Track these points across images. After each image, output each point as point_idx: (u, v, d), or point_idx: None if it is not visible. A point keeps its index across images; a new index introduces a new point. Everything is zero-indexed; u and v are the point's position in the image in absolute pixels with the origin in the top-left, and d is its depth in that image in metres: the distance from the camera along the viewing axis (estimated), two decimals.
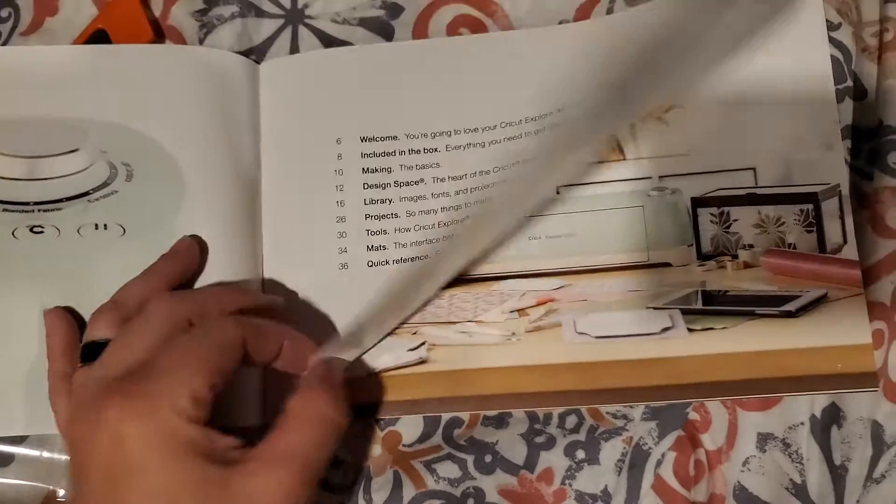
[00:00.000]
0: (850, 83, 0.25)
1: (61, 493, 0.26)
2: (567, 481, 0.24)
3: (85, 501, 0.20)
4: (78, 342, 0.24)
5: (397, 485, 0.25)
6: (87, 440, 0.20)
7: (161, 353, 0.21)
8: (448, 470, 0.25)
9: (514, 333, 0.26)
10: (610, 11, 0.28)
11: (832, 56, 0.26)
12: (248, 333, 0.22)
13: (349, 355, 0.25)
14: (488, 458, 0.25)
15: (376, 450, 0.26)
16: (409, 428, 0.26)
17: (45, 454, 0.26)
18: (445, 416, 0.26)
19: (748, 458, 0.25)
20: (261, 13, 0.29)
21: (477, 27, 0.28)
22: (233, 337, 0.21)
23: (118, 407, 0.19)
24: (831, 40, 0.26)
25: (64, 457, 0.26)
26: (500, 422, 0.26)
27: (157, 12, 0.30)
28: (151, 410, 0.20)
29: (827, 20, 0.26)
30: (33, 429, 0.25)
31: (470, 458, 0.25)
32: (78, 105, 0.28)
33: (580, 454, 0.24)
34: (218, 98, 0.28)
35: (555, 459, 0.24)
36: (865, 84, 0.26)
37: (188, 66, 0.28)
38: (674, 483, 0.24)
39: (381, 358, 0.26)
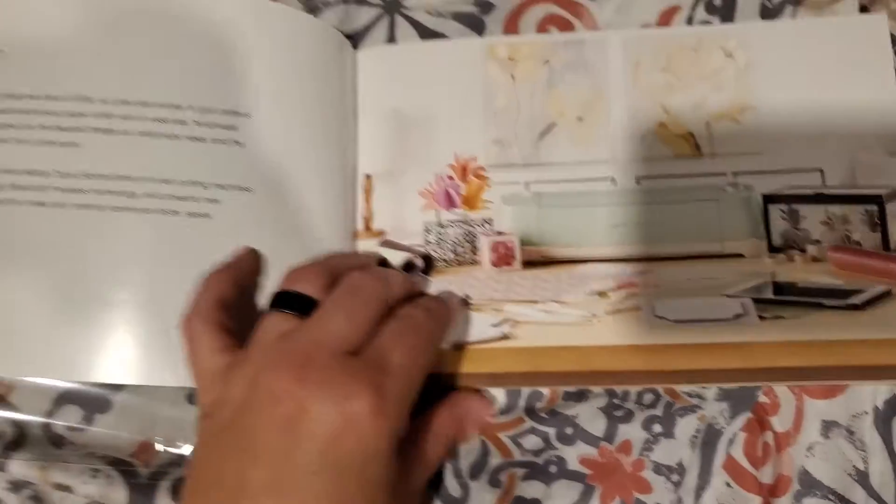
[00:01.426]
0: None
1: (159, 446, 0.27)
2: (645, 453, 0.25)
3: (259, 459, 0.20)
4: (242, 287, 0.25)
5: (484, 452, 0.26)
6: (302, 402, 0.20)
7: (390, 345, 0.22)
8: (532, 442, 0.26)
9: (594, 314, 0.27)
10: (689, 21, 0.30)
11: None
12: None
13: None
14: (569, 430, 0.26)
15: None
16: None
17: (142, 404, 0.27)
18: (526, 389, 0.27)
19: (813, 444, 0.26)
20: (361, 1, 0.31)
21: (565, 27, 0.30)
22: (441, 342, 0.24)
23: (367, 396, 0.20)
24: None
25: (163, 408, 0.27)
26: (580, 396, 0.27)
27: None
28: (390, 412, 0.21)
29: (892, 34, 0.28)
30: (143, 378, 0.26)
31: (552, 431, 0.26)
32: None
33: (657, 428, 0.26)
34: (325, 68, 0.29)
35: (633, 432, 0.26)
36: None
37: (297, 29, 0.28)
38: (745, 463, 0.26)
39: (465, 332, 0.27)
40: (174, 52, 0.28)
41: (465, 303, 0.28)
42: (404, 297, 0.26)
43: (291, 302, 0.23)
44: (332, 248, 0.28)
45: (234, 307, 0.25)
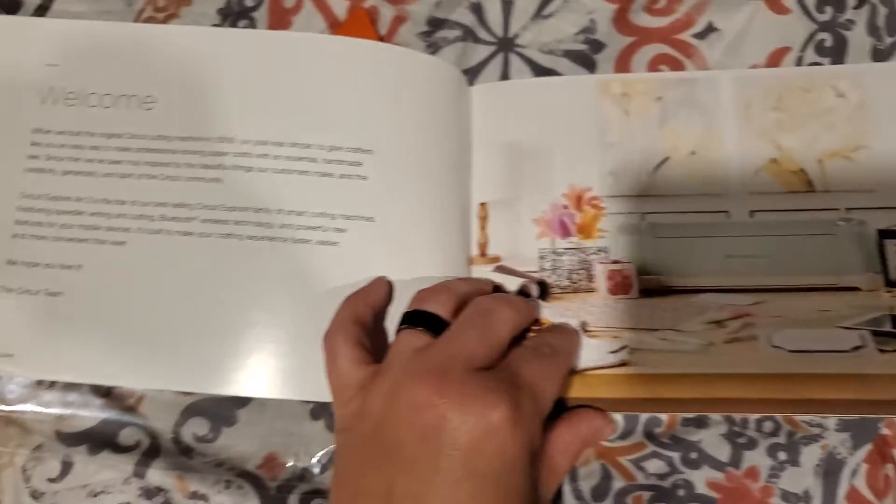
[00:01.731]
0: None
1: (289, 462, 0.29)
2: (772, 479, 0.26)
3: (403, 465, 0.21)
4: (376, 310, 0.27)
5: (606, 475, 0.27)
6: (443, 411, 0.21)
7: (520, 367, 0.23)
8: (656, 466, 0.27)
9: (711, 343, 0.28)
10: (799, 62, 0.31)
11: None
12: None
13: None
14: (694, 455, 0.27)
15: None
16: None
17: (267, 419, 0.29)
18: (644, 415, 0.28)
19: None
20: (477, 39, 0.33)
21: (676, 66, 0.31)
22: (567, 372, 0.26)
23: (504, 407, 0.21)
24: None
25: (288, 423, 0.28)
26: (700, 422, 0.28)
27: (383, 31, 0.33)
28: (526, 424, 0.22)
29: None
30: (275, 392, 0.28)
31: (676, 455, 0.27)
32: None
33: (782, 455, 0.27)
34: (443, 105, 0.31)
35: (758, 458, 0.26)
36: None
37: (417, 70, 0.30)
38: (867, 494, 0.26)
39: (584, 357, 0.28)
40: (306, 97, 0.30)
41: (584, 329, 0.29)
42: (529, 324, 0.27)
43: (423, 321, 0.25)
44: (448, 274, 0.30)
45: (370, 328, 0.27)
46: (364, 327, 0.26)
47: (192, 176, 0.29)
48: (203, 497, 0.28)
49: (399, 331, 0.25)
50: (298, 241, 0.29)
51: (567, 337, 0.27)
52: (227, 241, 0.29)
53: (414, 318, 0.25)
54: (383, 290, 0.28)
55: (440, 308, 0.25)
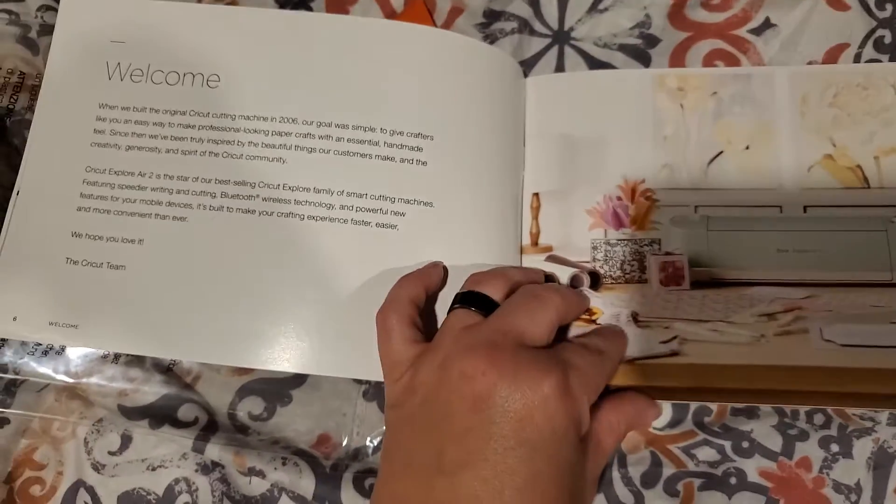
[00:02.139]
0: None
1: (343, 441, 0.30)
2: (824, 470, 0.27)
3: (450, 434, 0.22)
4: (429, 293, 0.28)
5: (655, 462, 0.28)
6: (495, 380, 0.22)
7: (568, 353, 0.24)
8: (707, 454, 0.27)
9: (762, 335, 0.28)
10: (857, 58, 0.31)
11: None
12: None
13: None
14: (745, 444, 0.27)
15: None
16: None
17: (320, 398, 0.30)
18: (694, 404, 0.29)
19: None
20: (533, 32, 0.33)
21: (731, 62, 0.32)
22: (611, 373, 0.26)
23: (555, 379, 0.22)
24: None
25: (341, 403, 0.29)
26: (751, 413, 0.28)
27: (440, 22, 0.34)
28: (576, 397, 0.23)
29: None
30: (329, 370, 0.28)
31: (727, 444, 0.27)
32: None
33: (834, 447, 0.27)
34: (500, 95, 0.31)
35: (811, 450, 0.27)
36: None
37: (478, 59, 0.31)
38: None
39: (634, 347, 0.29)
40: (370, 81, 0.31)
41: (635, 319, 0.29)
42: (576, 315, 0.28)
43: (475, 301, 0.26)
44: (500, 262, 0.30)
45: (422, 309, 0.28)
46: (418, 308, 0.27)
47: (255, 154, 0.30)
48: (260, 473, 0.29)
49: (451, 310, 0.26)
50: (358, 222, 0.29)
51: (615, 340, 0.28)
52: (287, 220, 0.29)
53: (467, 299, 0.26)
54: (438, 274, 0.29)
55: (493, 291, 0.26)
